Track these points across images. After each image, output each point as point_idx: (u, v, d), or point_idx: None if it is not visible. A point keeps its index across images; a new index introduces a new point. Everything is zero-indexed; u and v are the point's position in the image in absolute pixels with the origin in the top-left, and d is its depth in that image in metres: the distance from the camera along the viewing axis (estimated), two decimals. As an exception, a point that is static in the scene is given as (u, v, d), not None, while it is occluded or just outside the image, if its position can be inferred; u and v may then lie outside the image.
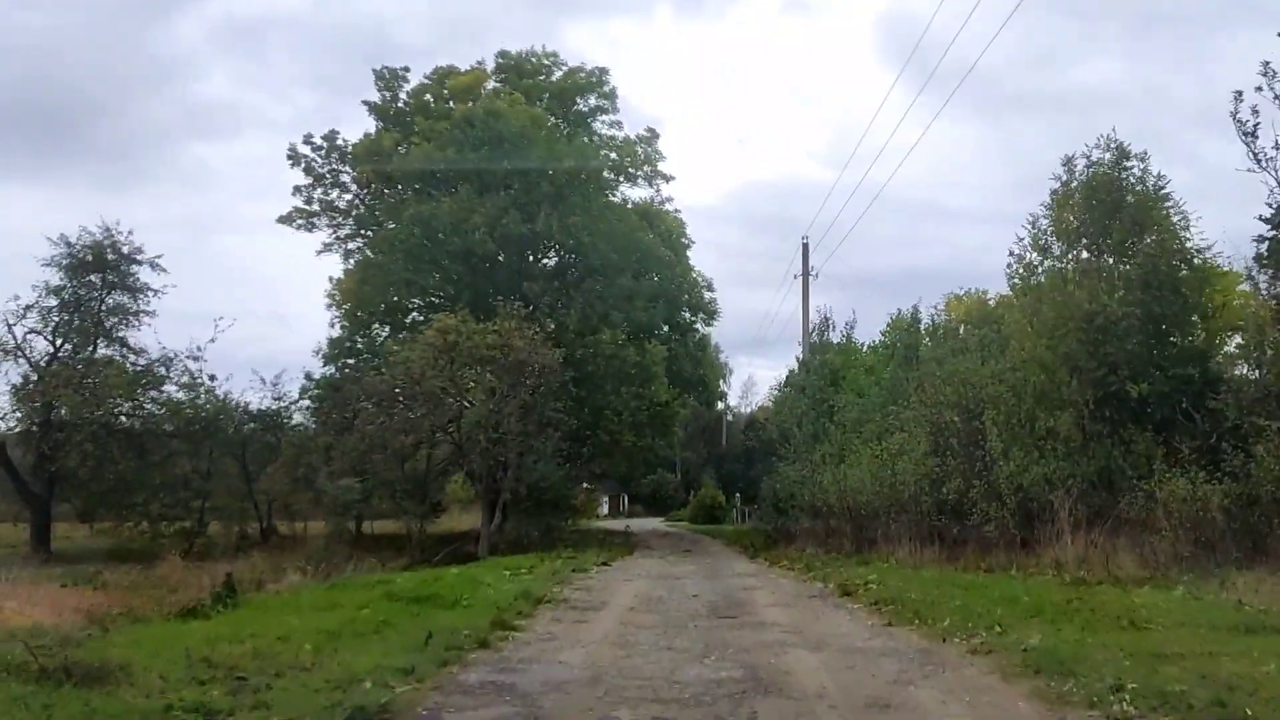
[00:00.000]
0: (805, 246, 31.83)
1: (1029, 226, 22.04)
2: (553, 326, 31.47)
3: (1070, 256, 21.46)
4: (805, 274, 31.56)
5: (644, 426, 33.74)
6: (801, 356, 32.27)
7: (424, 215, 31.49)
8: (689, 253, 41.11)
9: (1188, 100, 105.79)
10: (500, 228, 31.75)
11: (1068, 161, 21.60)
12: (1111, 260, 20.96)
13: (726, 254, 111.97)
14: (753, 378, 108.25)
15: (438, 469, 30.89)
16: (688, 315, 41.48)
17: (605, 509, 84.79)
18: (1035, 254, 22.11)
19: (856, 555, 20.07)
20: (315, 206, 38.50)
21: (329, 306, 35.30)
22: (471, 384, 28.69)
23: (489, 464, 28.89)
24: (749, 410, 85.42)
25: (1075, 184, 21.62)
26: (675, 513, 72.50)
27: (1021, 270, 22.32)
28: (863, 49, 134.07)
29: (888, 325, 31.52)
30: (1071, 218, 21.58)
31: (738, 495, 68.94)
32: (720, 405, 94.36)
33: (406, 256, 32.46)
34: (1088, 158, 21.24)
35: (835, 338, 31.61)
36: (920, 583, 14.30)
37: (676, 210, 40.79)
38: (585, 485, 33.63)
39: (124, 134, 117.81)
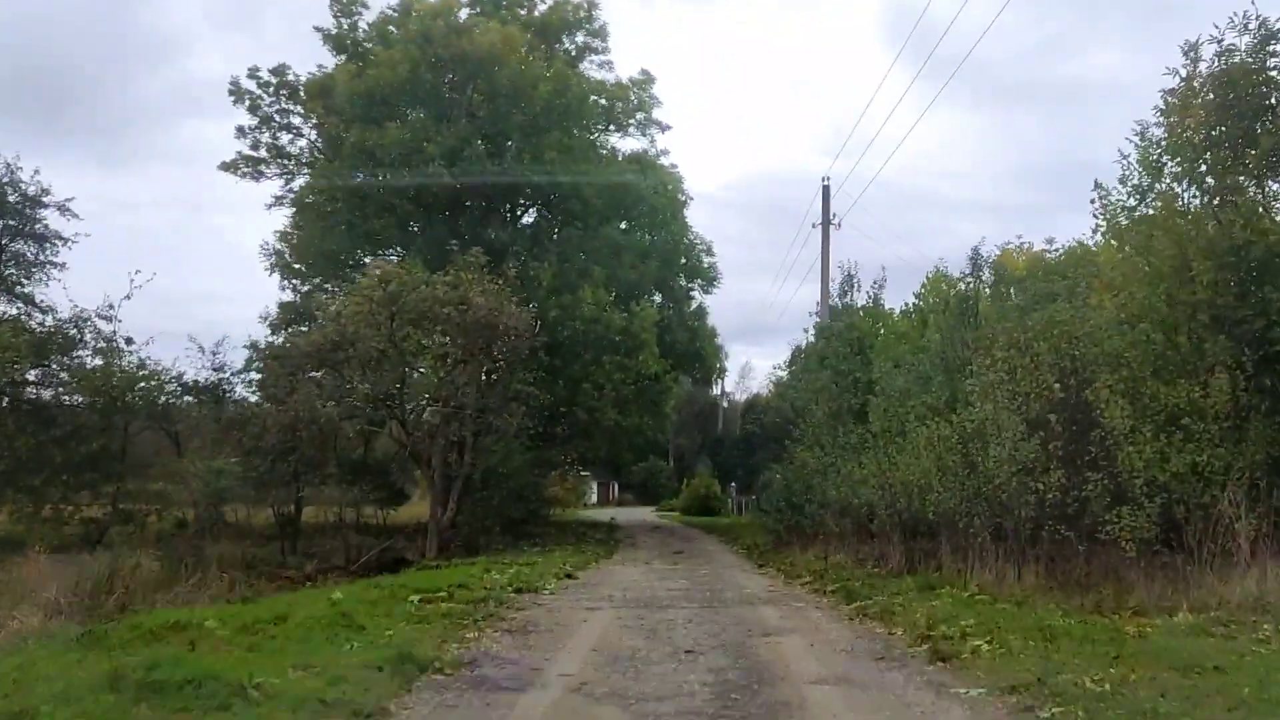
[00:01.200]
0: (826, 190, 26.28)
1: (1135, 139, 16.34)
2: (520, 281, 25.76)
3: (1198, 174, 15.81)
4: (825, 222, 25.92)
5: (629, 403, 28.12)
6: (819, 320, 26.60)
7: (368, 145, 25.72)
8: (686, 212, 35.48)
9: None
10: (461, 161, 26.02)
11: (1190, 49, 15.87)
12: (1257, 178, 15.34)
13: (722, 242, 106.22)
14: (750, 363, 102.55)
15: (395, 452, 25.27)
16: (683, 281, 35.83)
17: (594, 497, 79.39)
18: (1144, 175, 16.44)
19: (909, 573, 14.47)
20: (263, 152, 32.67)
21: (267, 263, 29.46)
22: (420, 347, 23.03)
23: (439, 445, 23.33)
24: (745, 397, 79.84)
25: (1201, 81, 15.95)
26: (667, 502, 67.00)
27: (1123, 199, 16.63)
28: (866, 37, 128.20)
29: (924, 285, 25.88)
30: (1197, 125, 15.92)
31: (733, 485, 63.48)
32: (716, 390, 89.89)
33: (348, 197, 26.75)
34: (1218, 42, 15.51)
35: (860, 300, 26.00)
36: (1048, 635, 8.72)
37: (674, 165, 35.12)
38: (563, 472, 27.76)
39: (119, 111, 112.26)
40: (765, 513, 47.36)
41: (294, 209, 28.98)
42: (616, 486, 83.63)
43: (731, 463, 45.19)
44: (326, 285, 28.99)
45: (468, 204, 28.25)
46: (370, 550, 21.12)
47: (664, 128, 33.86)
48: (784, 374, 43.50)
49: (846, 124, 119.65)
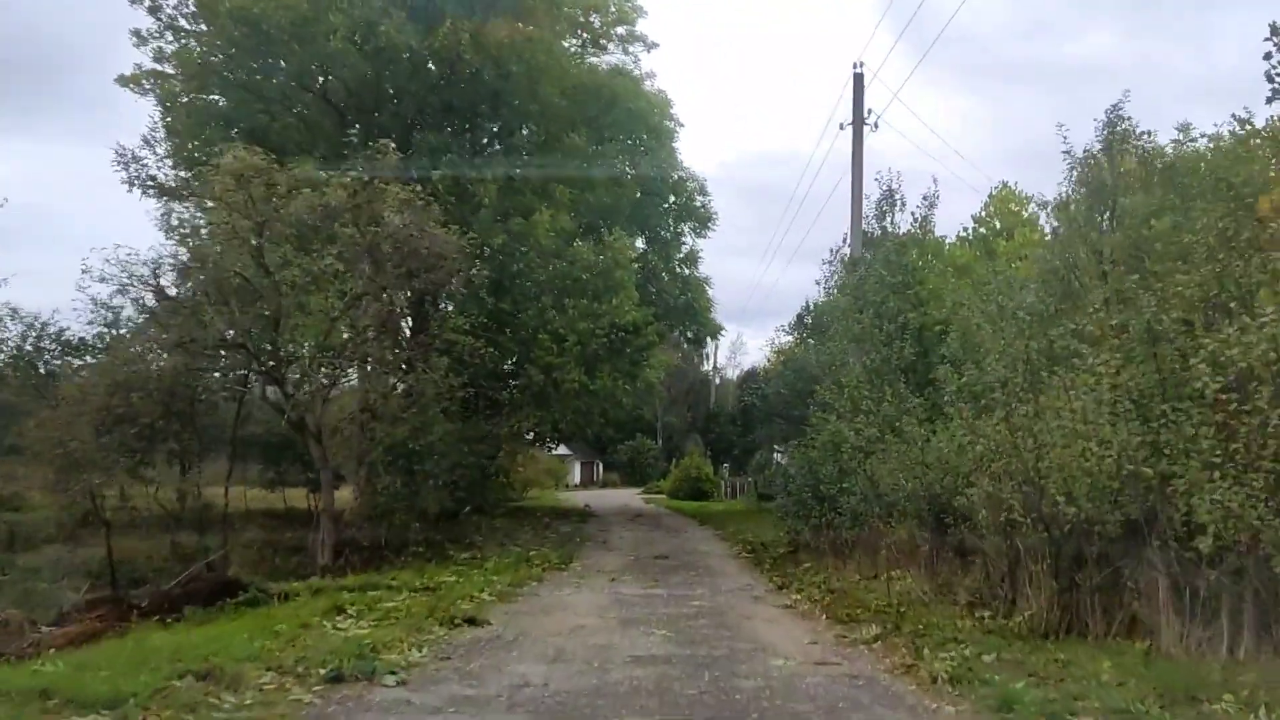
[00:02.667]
0: (858, 79, 19.36)
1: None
2: (455, 198, 18.92)
3: None
4: (858, 119, 19.03)
5: (600, 362, 21.26)
6: (847, 255, 19.77)
7: (252, 13, 18.67)
8: (676, 144, 28.47)
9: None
10: (376, 38, 19.06)
11: None
12: None
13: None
14: (742, 338, 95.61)
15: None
16: (671, 222, 28.92)
17: (576, 478, 72.79)
18: None
19: (1066, 631, 7.80)
20: (169, 68, 25.46)
21: (124, 174, 22.01)
22: (305, 277, 16.14)
23: (332, 413, 16.57)
24: (738, 373, 73.02)
25: None
26: (655, 484, 60.36)
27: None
28: (861, 21, 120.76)
29: (985, 207, 19.12)
30: None
31: (725, 466, 56.77)
32: (710, 354, 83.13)
33: (225, 85, 19.78)
34: None
35: (903, 224, 19.24)
36: None
37: (660, 90, 28.06)
38: (513, 449, 20.80)
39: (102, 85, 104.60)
40: (766, 497, 40.77)
41: (162, 105, 21.84)
42: (601, 467, 76.98)
43: (725, 441, 38.45)
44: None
45: (394, 101, 21.26)
46: (211, 569, 14.23)
47: (650, 45, 26.90)
48: (789, 338, 36.80)
49: (840, 103, 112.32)
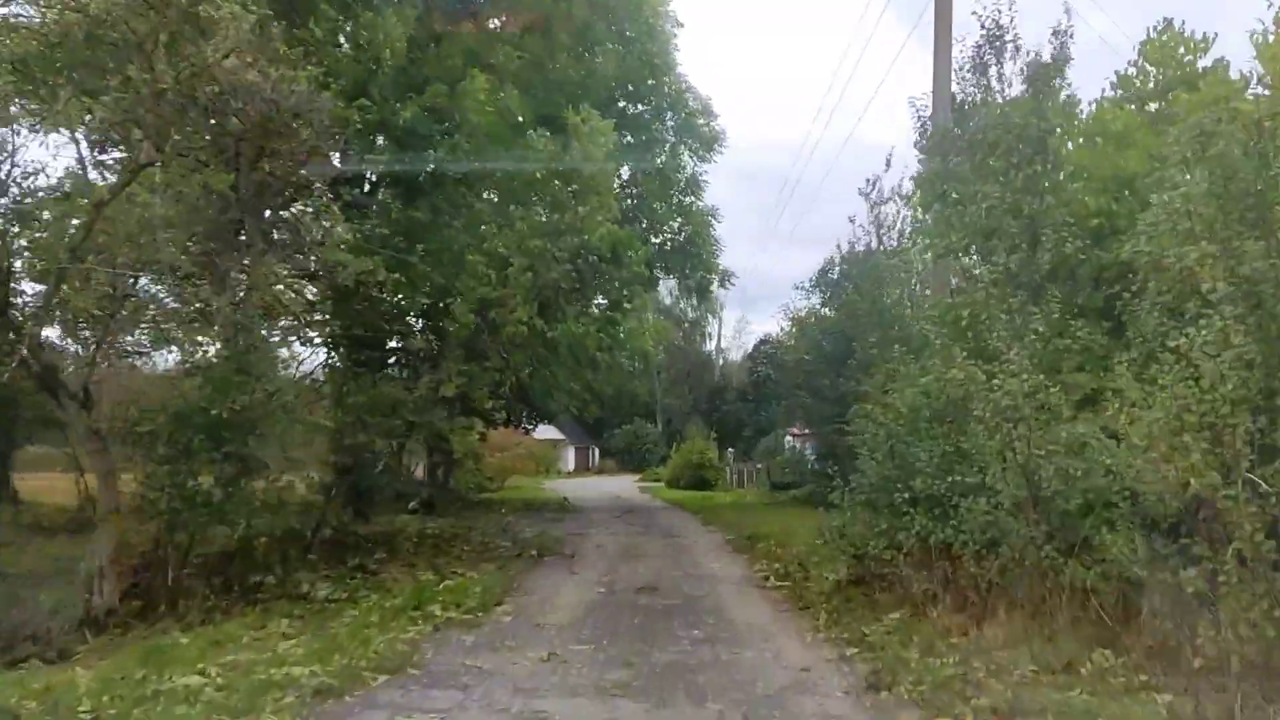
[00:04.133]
0: None
1: None
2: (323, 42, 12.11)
3: None
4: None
5: (563, 299, 14.18)
6: (931, 122, 12.80)
7: None
8: (676, 48, 21.54)
9: None
10: None
11: None
12: None
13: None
14: (746, 318, 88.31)
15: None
16: (671, 137, 22.03)
17: (569, 465, 66.16)
18: None
19: None
20: None
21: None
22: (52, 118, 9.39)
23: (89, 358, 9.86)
24: (742, 355, 66.11)
25: None
26: (653, 470, 53.70)
27: None
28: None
29: (1142, 53, 12.17)
30: None
31: (730, 451, 50.10)
32: (710, 346, 76.45)
33: None
34: None
35: (1012, 85, 12.37)
36: None
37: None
38: (424, 423, 13.83)
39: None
40: (780, 487, 34.03)
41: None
42: (596, 453, 70.36)
43: (733, 421, 31.67)
44: None
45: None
46: None
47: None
48: (807, 304, 29.95)
49: (835, 85, 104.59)
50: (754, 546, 16.19)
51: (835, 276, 27.39)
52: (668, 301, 64.08)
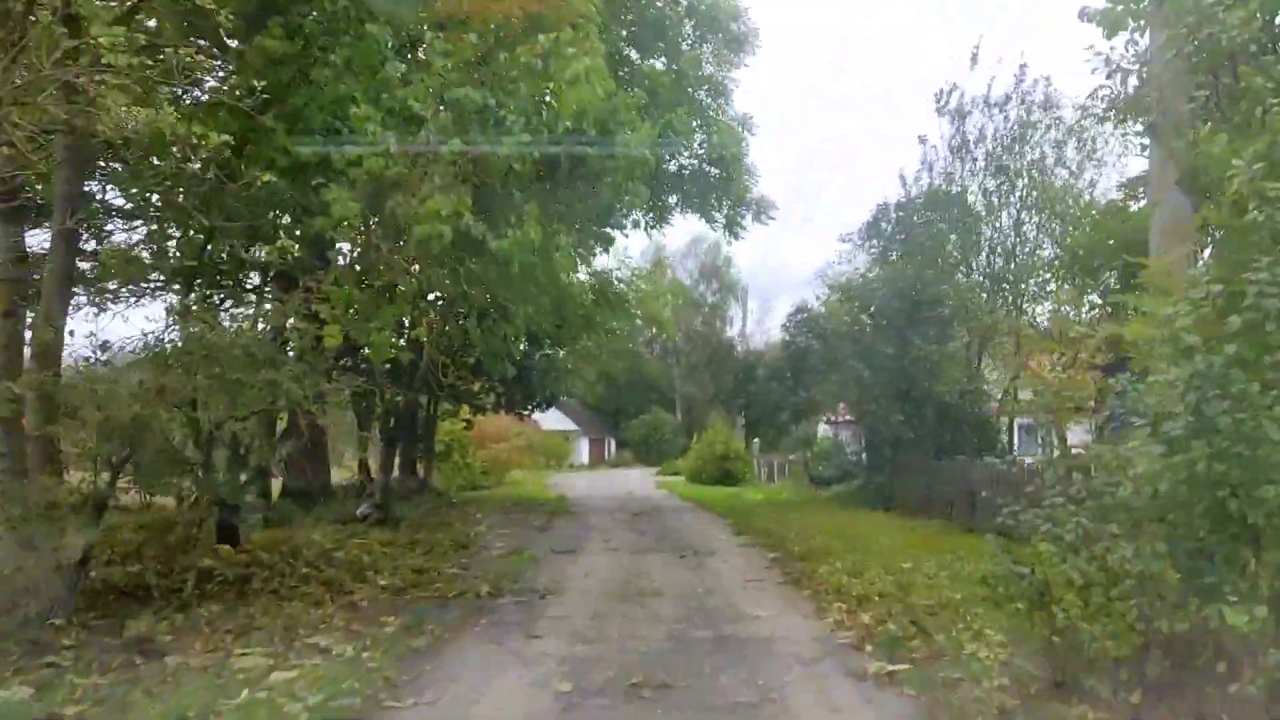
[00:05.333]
0: None
1: None
2: None
3: None
4: None
5: (515, 186, 8.81)
6: None
7: None
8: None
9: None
10: None
11: None
12: None
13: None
14: (769, 303, 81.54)
15: None
16: (688, 31, 16.52)
17: (583, 457, 60.81)
18: None
19: None
20: None
21: None
22: None
23: None
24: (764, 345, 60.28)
25: None
26: (671, 463, 48.29)
27: None
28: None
29: None
30: None
31: (756, 442, 44.51)
32: (732, 331, 70.53)
33: None
34: None
35: None
36: None
37: None
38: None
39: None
40: (821, 482, 28.51)
41: None
42: (613, 445, 64.92)
43: (767, 403, 26.10)
44: None
45: None
46: None
47: None
48: (855, 263, 24.36)
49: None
50: (814, 573, 10.73)
51: (890, 225, 21.94)
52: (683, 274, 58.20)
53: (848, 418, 30.79)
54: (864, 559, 11.50)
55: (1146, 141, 11.76)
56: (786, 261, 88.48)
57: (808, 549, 12.74)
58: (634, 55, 15.71)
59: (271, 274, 7.45)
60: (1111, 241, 10.89)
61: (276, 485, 18.23)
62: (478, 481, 29.84)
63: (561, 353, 23.48)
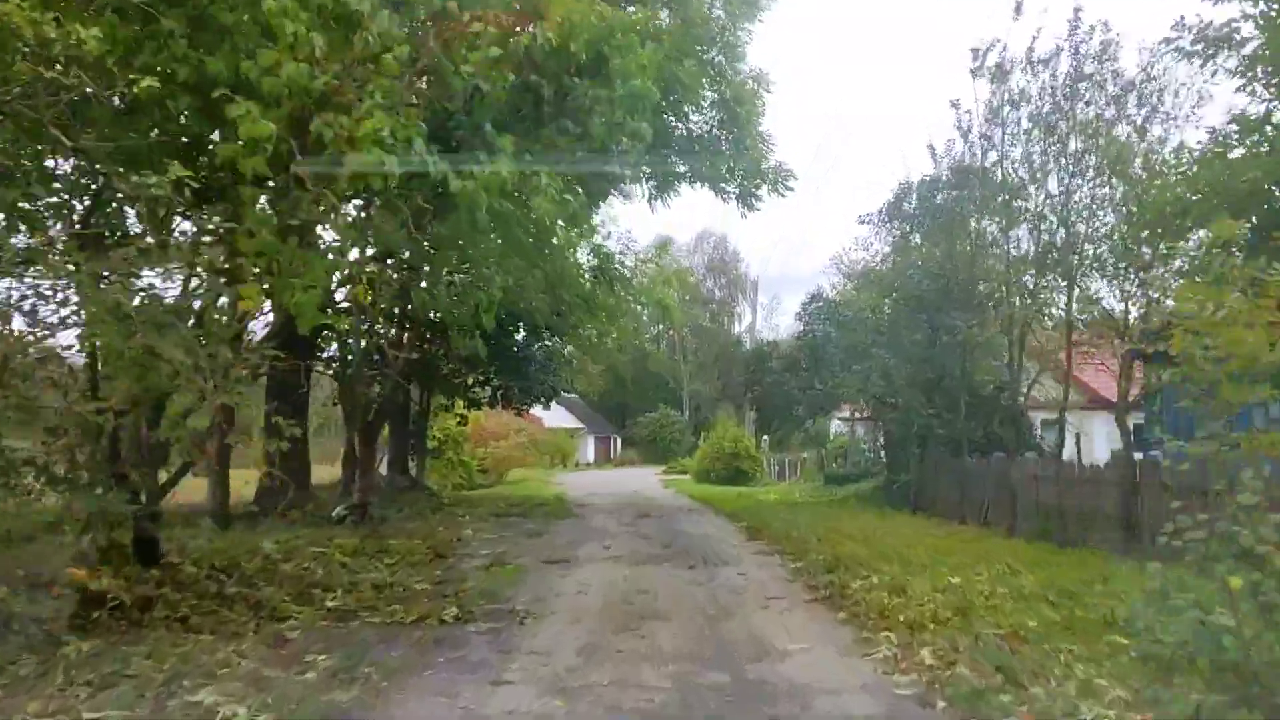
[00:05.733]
0: None
1: None
2: None
3: None
4: None
5: (474, 130, 7.04)
6: None
7: None
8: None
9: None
10: None
11: None
12: None
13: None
14: (779, 297, 78.96)
15: None
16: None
17: (589, 456, 59.06)
18: None
19: None
20: None
21: None
22: None
23: None
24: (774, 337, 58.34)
25: None
26: (679, 461, 46.56)
27: None
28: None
29: None
30: None
31: (764, 439, 42.75)
32: (740, 328, 68.53)
33: None
34: None
35: None
36: None
37: None
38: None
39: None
40: (838, 480, 26.77)
41: None
42: (619, 443, 63.11)
43: (781, 396, 24.30)
44: None
45: None
46: None
47: None
48: (874, 253, 22.60)
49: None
50: (846, 589, 8.98)
51: (916, 202, 20.16)
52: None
53: (861, 414, 29.03)
54: (901, 571, 9.74)
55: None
56: (793, 261, 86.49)
57: (834, 557, 10.98)
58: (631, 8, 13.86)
59: (165, 214, 5.79)
60: (1196, 197, 9.09)
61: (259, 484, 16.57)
62: (475, 480, 28.15)
63: (561, 342, 21.74)
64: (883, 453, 26.01)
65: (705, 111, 14.31)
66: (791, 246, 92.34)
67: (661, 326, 61.65)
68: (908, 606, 7.72)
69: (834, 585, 9.37)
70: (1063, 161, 12.91)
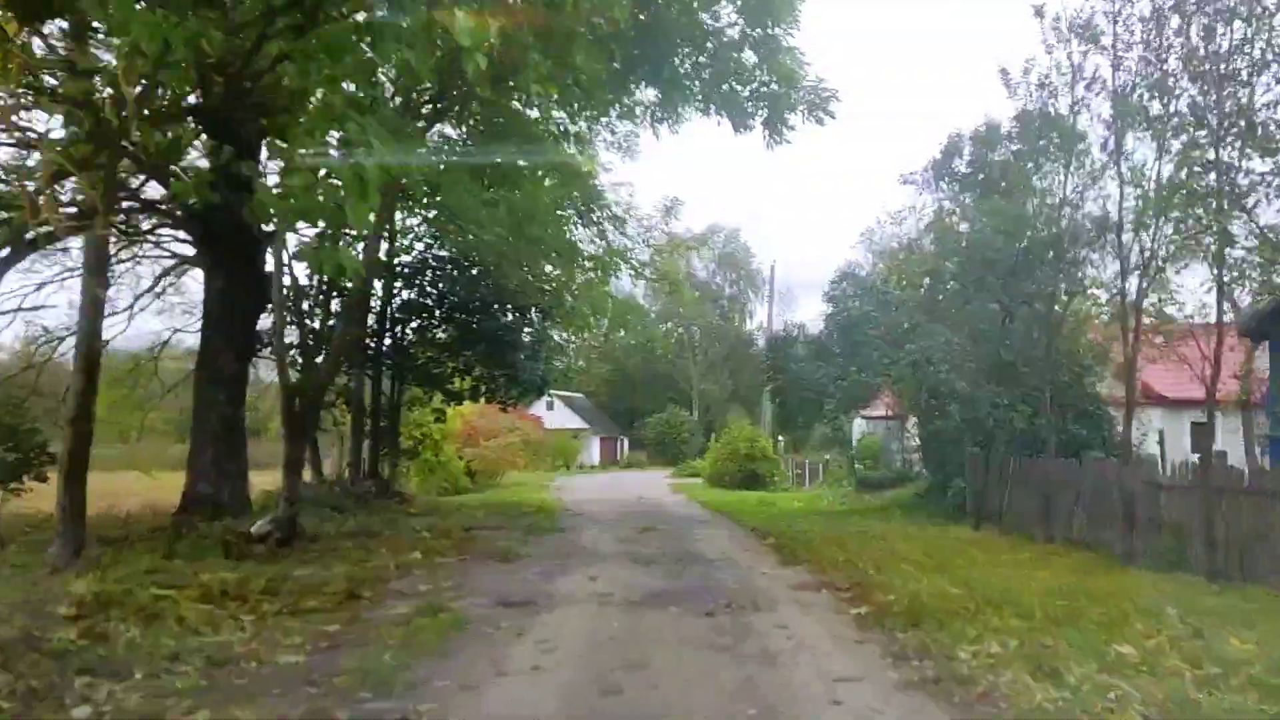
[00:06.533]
0: None
1: None
2: None
3: None
4: None
5: None
6: None
7: None
8: None
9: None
10: None
11: None
12: None
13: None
14: (792, 290, 74.40)
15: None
16: None
17: (594, 457, 55.55)
18: None
19: None
20: None
21: None
22: None
23: None
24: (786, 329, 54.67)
25: None
26: (689, 463, 43.17)
27: None
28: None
29: None
30: None
31: (780, 440, 39.19)
32: (750, 325, 64.88)
33: None
34: None
35: None
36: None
37: None
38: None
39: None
40: (873, 486, 23.38)
41: None
42: (625, 444, 59.58)
43: (808, 386, 20.81)
44: None
45: None
46: None
47: None
48: (916, 218, 19.24)
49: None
50: (954, 661, 5.58)
51: (967, 162, 16.91)
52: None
53: (896, 410, 25.61)
54: (1025, 627, 6.40)
55: None
56: (804, 256, 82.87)
57: (912, 598, 7.59)
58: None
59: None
60: None
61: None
62: (461, 484, 24.79)
63: (547, 319, 18.38)
64: (919, 454, 22.62)
65: (726, 18, 10.87)
66: (804, 242, 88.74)
67: (670, 324, 58.49)
68: (1078, 702, 4.31)
69: (929, 651, 5.97)
70: (1212, 51, 9.44)
